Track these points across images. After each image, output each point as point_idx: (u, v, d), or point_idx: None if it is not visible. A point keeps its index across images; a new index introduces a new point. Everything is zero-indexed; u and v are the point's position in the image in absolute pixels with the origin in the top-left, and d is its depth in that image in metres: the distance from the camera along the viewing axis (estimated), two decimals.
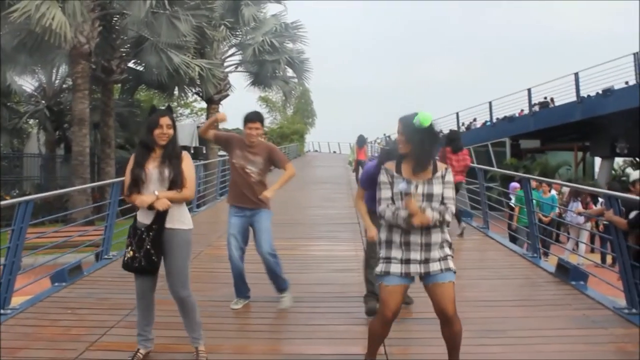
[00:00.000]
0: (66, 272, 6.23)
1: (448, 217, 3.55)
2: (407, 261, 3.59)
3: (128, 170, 4.00)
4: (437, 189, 3.59)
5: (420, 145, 3.55)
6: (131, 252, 3.92)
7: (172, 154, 3.99)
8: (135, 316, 4.23)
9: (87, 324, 4.84)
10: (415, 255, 3.58)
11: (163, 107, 4.28)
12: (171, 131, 3.99)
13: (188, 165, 4.05)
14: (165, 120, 3.96)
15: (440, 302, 3.60)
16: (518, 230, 10.70)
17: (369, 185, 4.68)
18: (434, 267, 3.58)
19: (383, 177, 3.67)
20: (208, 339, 4.21)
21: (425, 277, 3.61)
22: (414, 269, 3.58)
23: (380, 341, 3.83)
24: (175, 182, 3.94)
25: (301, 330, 4.86)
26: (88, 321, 4.93)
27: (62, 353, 4.22)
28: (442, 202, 3.59)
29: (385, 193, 3.64)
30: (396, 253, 3.61)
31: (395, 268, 3.60)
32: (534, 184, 10.55)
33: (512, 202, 11.85)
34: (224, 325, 4.89)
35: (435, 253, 3.60)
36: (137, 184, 3.93)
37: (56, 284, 6.11)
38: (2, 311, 5.11)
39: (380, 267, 3.66)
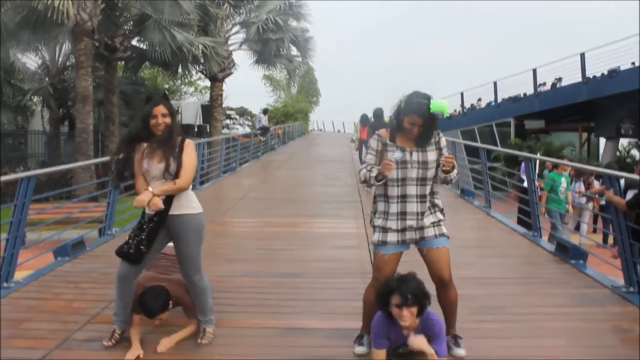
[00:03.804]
0: (69, 247, 6.29)
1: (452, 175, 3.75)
2: (403, 230, 3.74)
3: (136, 162, 3.99)
4: (431, 155, 3.75)
5: (432, 129, 3.71)
6: (127, 237, 3.94)
7: (171, 145, 3.90)
8: None
9: (89, 298, 4.90)
10: (412, 223, 3.72)
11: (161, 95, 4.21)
12: (167, 119, 3.88)
13: (189, 154, 3.95)
14: (159, 110, 3.87)
15: (437, 268, 3.76)
16: (551, 214, 10.00)
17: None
18: (429, 232, 3.75)
19: (373, 143, 3.81)
20: None
21: (420, 241, 3.78)
22: (410, 235, 3.75)
23: (375, 309, 3.90)
24: (175, 175, 3.89)
25: (302, 305, 4.90)
26: (90, 295, 4.99)
27: (64, 325, 4.29)
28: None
29: (369, 158, 3.81)
30: (392, 223, 3.75)
31: (392, 237, 3.75)
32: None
33: (525, 185, 11.58)
34: (224, 300, 4.91)
35: (429, 218, 3.76)
36: (127, 172, 3.99)
37: (59, 258, 6.17)
38: (5, 284, 5.18)
39: (377, 236, 3.81)
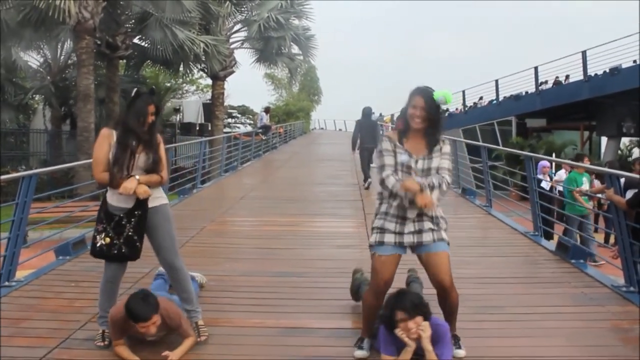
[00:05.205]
0: (70, 246, 6.30)
1: (445, 188, 3.64)
2: (400, 233, 3.69)
3: (103, 151, 3.91)
4: (435, 162, 3.69)
5: (439, 122, 3.68)
6: (107, 239, 3.87)
7: (154, 140, 4.01)
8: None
9: (90, 297, 4.88)
10: (409, 227, 3.68)
11: (145, 91, 4.13)
12: (154, 117, 3.97)
13: (163, 150, 4.11)
14: (151, 109, 3.95)
15: (437, 273, 3.68)
16: (569, 220, 9.65)
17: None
18: (427, 237, 3.68)
19: (386, 145, 3.74)
20: (205, 312, 4.27)
21: (418, 247, 3.71)
22: (408, 239, 3.69)
23: (375, 313, 3.89)
24: (155, 168, 3.98)
25: (302, 304, 4.91)
26: (91, 294, 4.96)
27: (65, 324, 4.30)
28: (437, 172, 3.67)
29: (388, 160, 3.71)
30: (390, 225, 3.71)
31: (389, 238, 3.70)
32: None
33: (543, 185, 10.89)
34: (224, 299, 4.94)
35: (428, 224, 3.69)
36: (121, 169, 3.89)
37: (60, 257, 6.18)
38: (6, 283, 5.19)
39: (374, 237, 3.78)
